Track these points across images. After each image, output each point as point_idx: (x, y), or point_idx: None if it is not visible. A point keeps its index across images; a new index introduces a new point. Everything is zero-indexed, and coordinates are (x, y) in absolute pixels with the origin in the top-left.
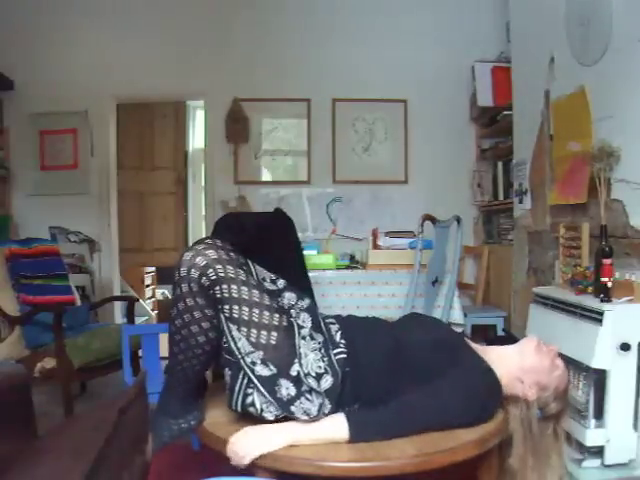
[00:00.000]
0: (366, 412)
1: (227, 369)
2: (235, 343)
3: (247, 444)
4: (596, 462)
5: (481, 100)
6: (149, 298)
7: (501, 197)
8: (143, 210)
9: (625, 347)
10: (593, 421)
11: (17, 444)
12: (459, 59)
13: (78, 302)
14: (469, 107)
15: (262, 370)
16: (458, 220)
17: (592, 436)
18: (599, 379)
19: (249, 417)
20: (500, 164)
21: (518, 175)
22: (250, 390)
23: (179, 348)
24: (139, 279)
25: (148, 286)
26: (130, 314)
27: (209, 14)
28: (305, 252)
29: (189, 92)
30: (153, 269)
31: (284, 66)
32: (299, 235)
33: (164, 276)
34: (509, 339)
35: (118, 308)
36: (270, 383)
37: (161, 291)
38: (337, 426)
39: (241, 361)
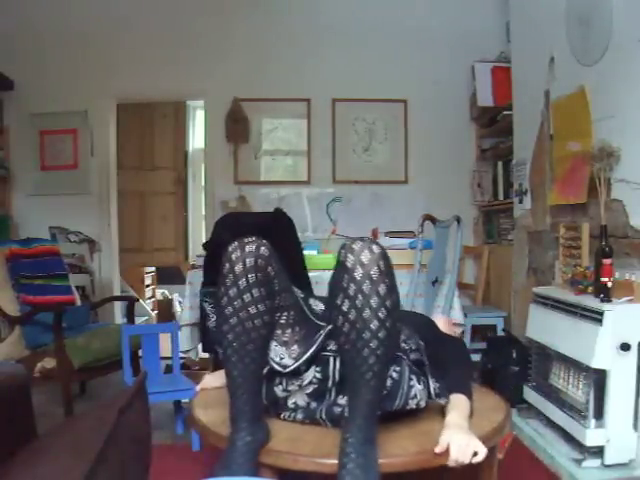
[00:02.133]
0: (458, 380)
1: (394, 367)
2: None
3: (470, 448)
4: (596, 462)
5: (481, 100)
6: (149, 298)
7: (501, 197)
8: (143, 210)
9: (625, 347)
10: (593, 421)
11: (17, 444)
12: (459, 59)
13: (78, 302)
14: (469, 107)
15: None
16: (458, 220)
17: (592, 436)
18: (599, 379)
19: None
20: (500, 164)
21: (518, 175)
22: (412, 382)
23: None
24: (139, 279)
25: (148, 286)
26: (130, 314)
27: (209, 14)
28: (305, 252)
29: (189, 92)
30: (153, 269)
31: (284, 66)
32: (299, 235)
33: (164, 276)
34: (509, 339)
35: (118, 308)
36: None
37: (161, 291)
38: (466, 400)
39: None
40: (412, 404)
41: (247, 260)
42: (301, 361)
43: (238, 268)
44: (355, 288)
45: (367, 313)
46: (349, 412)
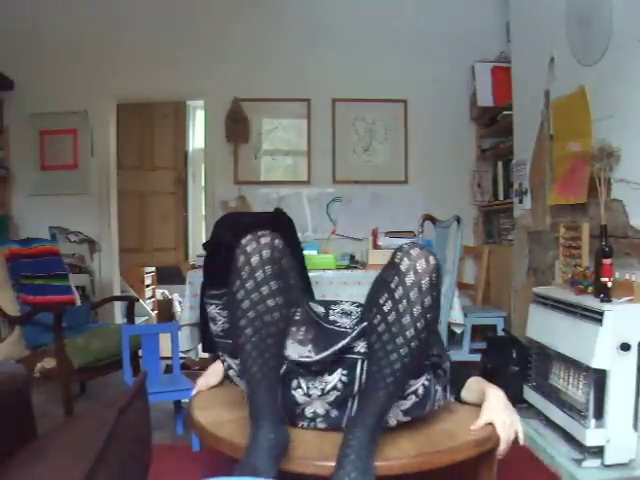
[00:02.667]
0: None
1: (426, 375)
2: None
3: (513, 428)
4: (596, 462)
5: (481, 100)
6: (149, 298)
7: (501, 197)
8: (143, 210)
9: (625, 347)
10: (593, 421)
11: (17, 444)
12: (459, 59)
13: (78, 302)
14: (469, 107)
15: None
16: (458, 220)
17: (592, 436)
18: (599, 379)
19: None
20: (500, 164)
21: (518, 175)
22: (436, 387)
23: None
24: (139, 279)
25: (148, 286)
26: (130, 314)
27: (209, 14)
28: (305, 252)
29: (189, 92)
30: (153, 269)
31: (284, 66)
32: (299, 235)
33: (164, 276)
34: (509, 339)
35: (118, 308)
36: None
37: (161, 291)
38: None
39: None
40: (435, 407)
41: (264, 252)
42: (331, 351)
43: (255, 260)
44: (402, 292)
45: (406, 319)
46: (358, 410)
